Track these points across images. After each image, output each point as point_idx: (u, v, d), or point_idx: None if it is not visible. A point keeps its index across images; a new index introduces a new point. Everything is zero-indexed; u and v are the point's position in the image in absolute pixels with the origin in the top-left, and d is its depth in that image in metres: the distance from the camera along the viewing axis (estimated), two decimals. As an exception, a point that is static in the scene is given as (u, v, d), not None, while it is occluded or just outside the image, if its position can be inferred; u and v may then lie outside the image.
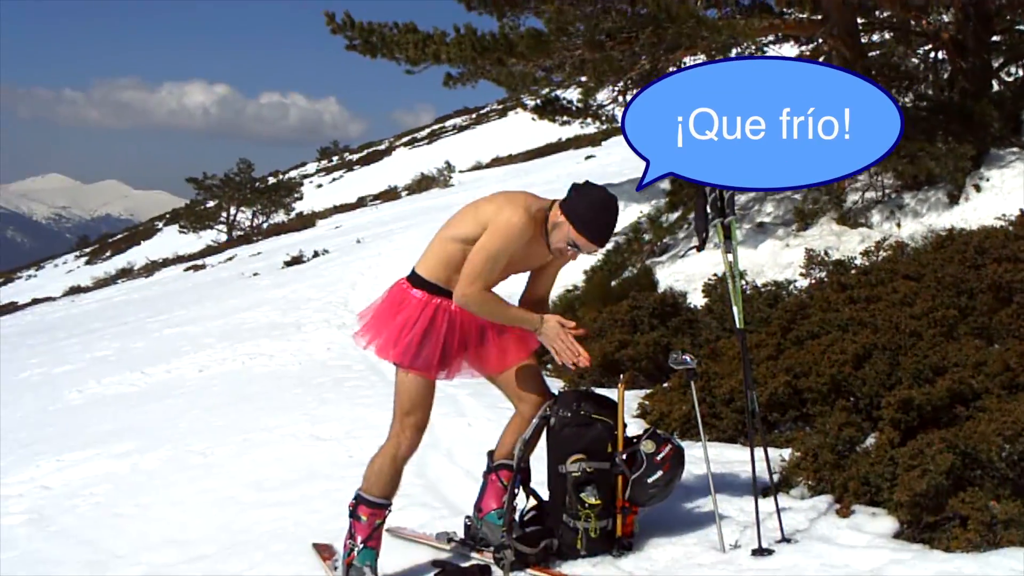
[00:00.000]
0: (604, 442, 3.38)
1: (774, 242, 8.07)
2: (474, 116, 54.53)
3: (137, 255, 36.47)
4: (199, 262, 25.19)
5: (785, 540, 3.33)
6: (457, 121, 55.28)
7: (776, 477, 3.79)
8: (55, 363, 10.87)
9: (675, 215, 9.45)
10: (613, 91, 9.97)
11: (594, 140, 26.32)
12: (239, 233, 32.89)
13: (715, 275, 6.63)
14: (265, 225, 33.09)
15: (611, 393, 3.63)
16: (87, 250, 47.13)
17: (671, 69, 8.19)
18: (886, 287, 5.24)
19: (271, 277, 16.38)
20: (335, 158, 57.63)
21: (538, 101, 10.75)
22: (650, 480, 3.35)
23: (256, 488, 4.79)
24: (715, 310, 6.09)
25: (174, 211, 48.09)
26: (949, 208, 7.53)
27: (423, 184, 31.20)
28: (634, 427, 4.29)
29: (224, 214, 34.34)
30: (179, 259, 28.90)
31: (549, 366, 5.55)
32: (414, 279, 3.41)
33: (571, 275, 8.64)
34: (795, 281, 6.33)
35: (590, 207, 3.28)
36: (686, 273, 8.19)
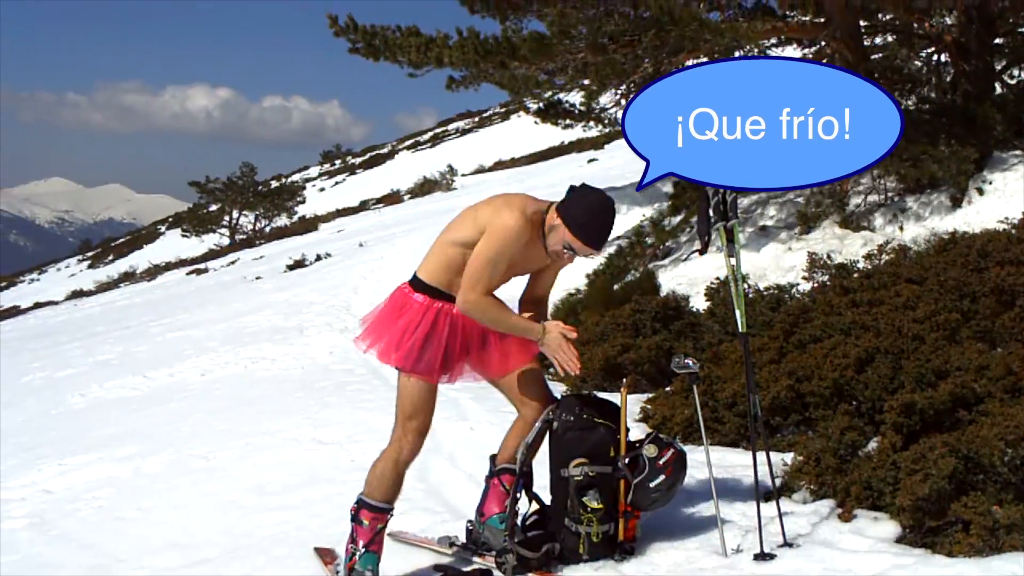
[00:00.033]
0: (606, 446, 3.38)
1: (777, 245, 8.07)
2: (477, 119, 54.59)
3: (140, 259, 36.57)
4: (202, 266, 25.23)
5: (787, 544, 3.33)
6: (460, 124, 55.35)
7: (778, 481, 3.78)
8: (57, 367, 10.89)
9: (678, 218, 9.43)
10: (616, 94, 9.97)
11: (597, 143, 26.37)
12: (242, 237, 32.96)
13: (717, 278, 6.62)
14: (268, 229, 33.13)
15: (614, 397, 3.62)
16: (90, 254, 47.26)
17: (673, 72, 8.16)
18: (889, 291, 5.23)
19: (273, 281, 16.39)
20: (338, 161, 57.74)
21: (541, 104, 10.73)
22: (652, 484, 3.35)
23: (258, 492, 4.79)
24: (717, 314, 6.09)
25: (177, 215, 48.24)
26: (952, 211, 7.52)
27: (426, 188, 31.27)
28: (636, 431, 4.28)
29: (227, 218, 34.43)
30: (182, 263, 28.97)
31: (551, 370, 5.54)
32: (416, 283, 3.41)
33: (573, 278, 8.62)
34: (797, 284, 6.32)
35: (587, 210, 3.26)
36: (688, 276, 8.18)
